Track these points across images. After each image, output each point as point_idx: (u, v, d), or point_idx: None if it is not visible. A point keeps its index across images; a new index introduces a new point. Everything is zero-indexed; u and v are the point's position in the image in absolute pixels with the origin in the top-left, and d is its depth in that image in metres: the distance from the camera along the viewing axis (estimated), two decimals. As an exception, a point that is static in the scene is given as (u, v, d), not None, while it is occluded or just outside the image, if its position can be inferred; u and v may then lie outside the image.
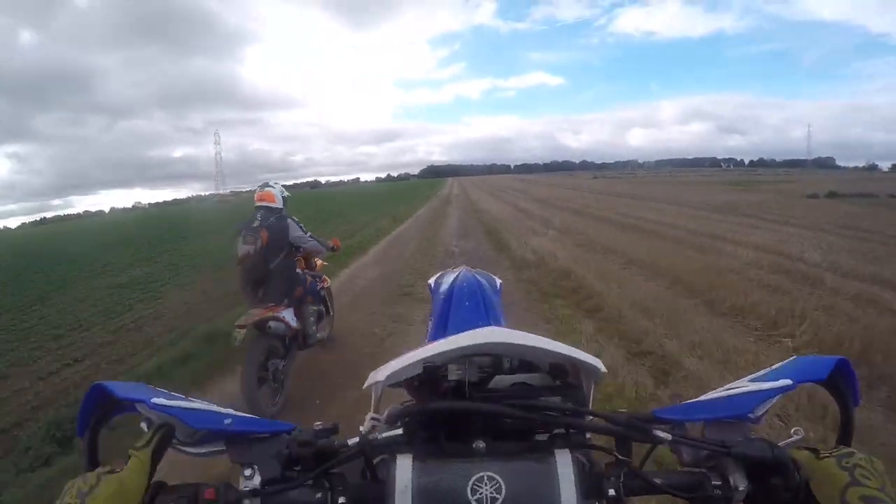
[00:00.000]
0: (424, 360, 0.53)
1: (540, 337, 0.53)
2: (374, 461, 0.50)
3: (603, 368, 0.55)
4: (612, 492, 0.46)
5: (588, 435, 0.50)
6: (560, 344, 0.53)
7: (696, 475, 0.48)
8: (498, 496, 0.44)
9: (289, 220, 3.31)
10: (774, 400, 0.50)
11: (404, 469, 0.46)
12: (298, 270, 3.47)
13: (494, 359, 0.59)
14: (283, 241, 3.23)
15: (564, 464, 0.46)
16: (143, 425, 0.49)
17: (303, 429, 0.52)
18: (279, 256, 3.19)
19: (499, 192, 34.36)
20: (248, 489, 0.46)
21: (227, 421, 0.49)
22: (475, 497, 0.43)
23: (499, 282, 1.30)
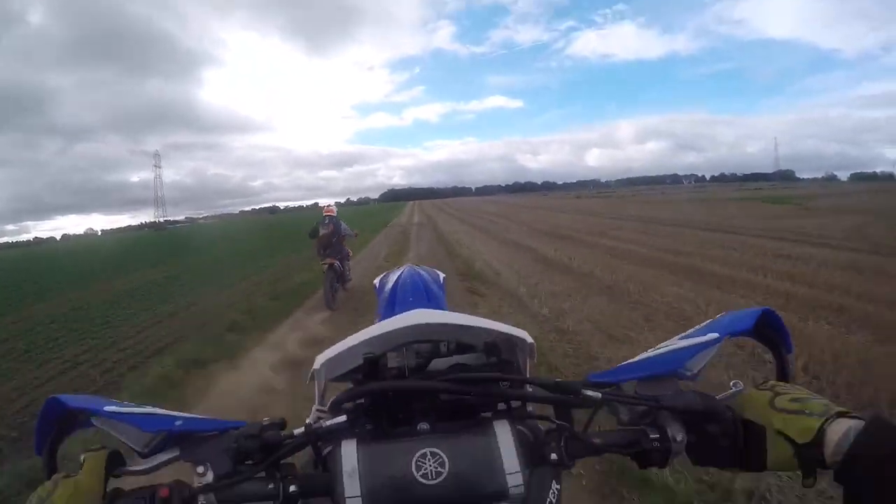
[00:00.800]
0: (360, 347, 0.54)
1: (466, 315, 0.54)
2: (324, 451, 0.51)
3: (530, 339, 0.57)
4: (554, 456, 0.48)
5: (530, 407, 0.53)
6: (485, 320, 0.54)
7: (634, 432, 0.50)
8: (442, 470, 0.46)
9: (340, 221, 7.24)
10: (709, 356, 0.52)
11: (349, 453, 0.48)
12: (342, 245, 7.28)
13: (432, 345, 0.61)
14: (338, 230, 7.10)
15: (504, 433, 0.48)
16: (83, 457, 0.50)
17: (250, 424, 0.52)
18: (336, 237, 7.03)
19: (472, 217, 28.22)
20: (201, 485, 0.47)
21: (178, 422, 0.50)
22: (420, 473, 0.46)
23: (442, 276, 1.32)
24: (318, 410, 0.55)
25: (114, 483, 0.49)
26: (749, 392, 0.48)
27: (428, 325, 0.55)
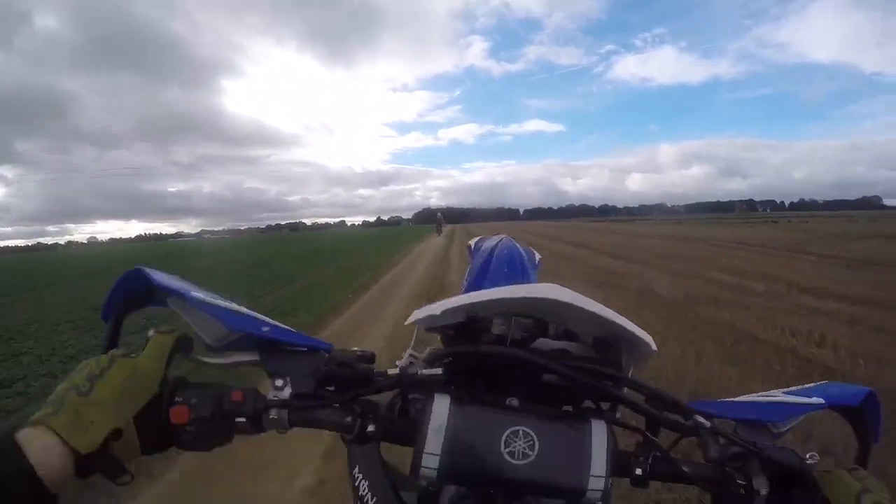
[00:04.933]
0: (477, 304, 0.54)
1: (600, 304, 0.53)
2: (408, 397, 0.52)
3: (654, 346, 0.55)
4: (638, 471, 0.48)
5: (618, 413, 0.52)
6: (617, 314, 0.53)
7: (723, 471, 0.50)
8: (530, 453, 0.45)
9: (439, 215, 40.07)
10: (801, 417, 0.53)
11: (441, 408, 0.47)
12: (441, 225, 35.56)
13: (538, 322, 0.59)
14: (442, 221, 38.40)
15: (600, 434, 0.47)
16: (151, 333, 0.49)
17: (340, 350, 0.53)
18: (439, 225, 36.77)
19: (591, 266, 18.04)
20: (276, 399, 0.47)
21: (266, 328, 0.50)
22: (507, 449, 0.45)
23: (538, 256, 1.30)
24: (410, 355, 0.53)
25: (175, 372, 0.47)
26: (837, 473, 0.47)
27: (557, 302, 0.52)
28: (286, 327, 0.52)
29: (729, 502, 0.50)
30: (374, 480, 0.64)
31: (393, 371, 0.51)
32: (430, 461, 0.45)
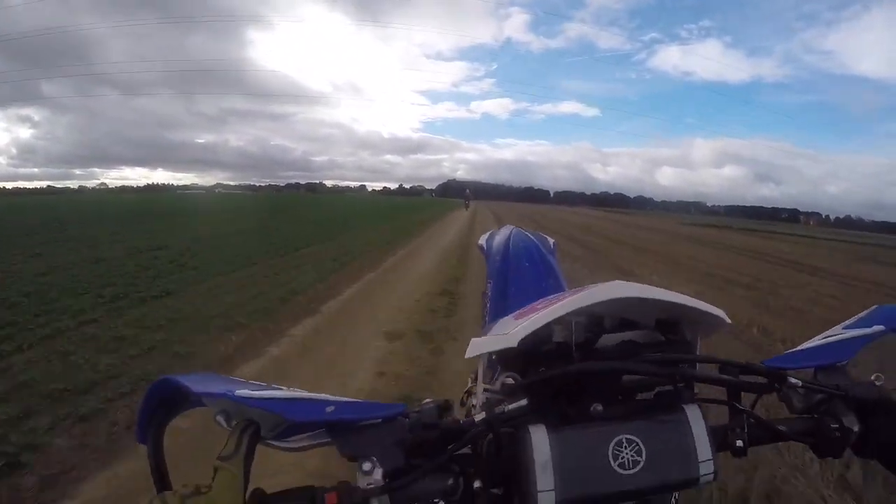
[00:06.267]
0: (555, 319, 0.51)
1: (667, 290, 0.53)
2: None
3: (727, 319, 0.54)
4: (739, 442, 0.49)
5: (696, 389, 0.52)
6: (686, 297, 0.53)
7: (813, 420, 0.52)
8: (639, 458, 0.45)
9: (468, 191, 46.08)
10: (860, 349, 0.56)
11: (541, 441, 0.45)
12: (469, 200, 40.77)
13: (592, 318, 0.57)
14: (469, 195, 43.59)
15: (696, 417, 0.48)
16: (220, 419, 0.45)
17: (414, 409, 0.50)
18: (467, 200, 41.42)
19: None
20: (372, 486, 0.44)
21: (329, 408, 0.46)
22: (617, 462, 0.45)
23: (551, 241, 1.33)
24: (486, 391, 0.53)
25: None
26: None
27: (632, 298, 0.52)
28: (352, 400, 0.48)
29: (825, 447, 0.51)
30: None
31: (479, 416, 0.48)
32: (547, 499, 0.44)
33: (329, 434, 0.47)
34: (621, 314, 0.56)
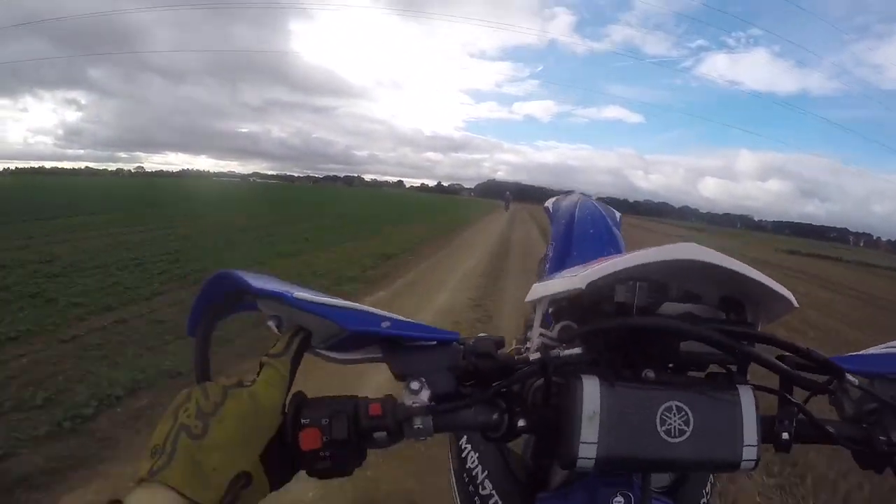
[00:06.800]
0: (624, 271, 0.49)
1: (740, 262, 0.50)
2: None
3: (795, 303, 0.51)
4: (785, 436, 0.48)
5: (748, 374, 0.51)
6: (757, 271, 0.50)
7: (863, 429, 0.50)
8: (686, 428, 0.44)
9: (508, 193, 43.70)
10: None
11: (592, 392, 0.45)
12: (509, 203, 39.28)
13: (656, 285, 0.54)
14: (510, 197, 41.59)
15: (748, 401, 0.46)
16: (271, 324, 0.47)
17: (470, 339, 0.50)
18: (507, 203, 39.66)
19: None
20: (417, 405, 0.44)
21: (385, 324, 0.46)
22: (663, 428, 0.44)
23: (618, 214, 1.28)
24: (542, 335, 0.52)
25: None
26: None
27: (703, 262, 0.49)
28: (409, 321, 0.48)
29: (870, 459, 0.50)
30: (499, 478, 0.62)
31: (534, 355, 0.47)
32: (588, 451, 0.43)
33: (381, 350, 0.47)
34: (687, 284, 0.52)
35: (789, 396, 0.49)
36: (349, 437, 0.42)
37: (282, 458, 0.41)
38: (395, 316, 0.47)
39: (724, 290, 0.52)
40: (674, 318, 0.49)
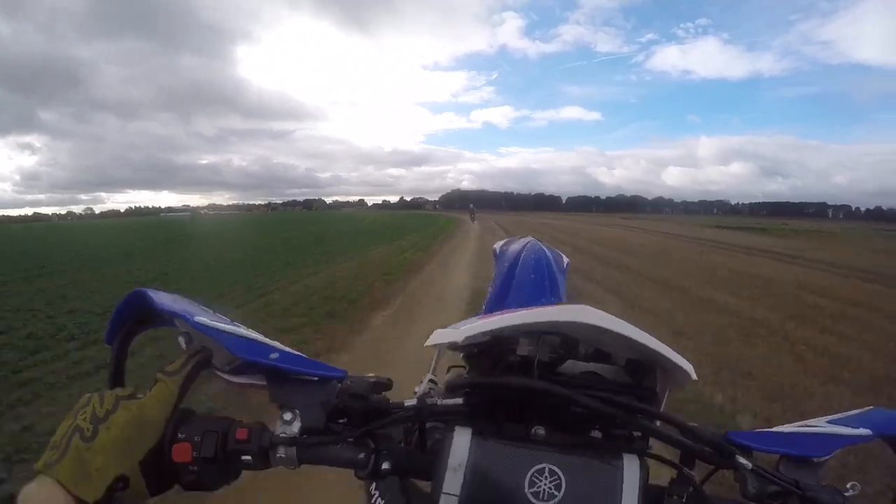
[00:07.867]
0: (505, 329, 0.51)
1: (635, 327, 0.50)
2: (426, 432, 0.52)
3: (693, 375, 0.52)
4: None
5: (650, 443, 0.51)
6: (654, 339, 0.50)
7: None
8: (556, 493, 0.44)
9: (472, 205, 46.01)
10: (839, 449, 0.52)
11: (462, 443, 0.46)
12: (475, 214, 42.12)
13: (566, 340, 0.55)
14: (474, 209, 44.35)
15: (632, 471, 0.45)
16: (181, 340, 0.50)
17: (354, 378, 0.52)
18: (473, 213, 42.59)
19: None
20: (285, 435, 0.46)
21: (274, 355, 0.48)
22: (531, 490, 0.44)
23: (566, 260, 1.30)
24: (430, 381, 0.53)
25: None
26: None
27: (593, 326, 0.49)
28: (297, 354, 0.50)
29: None
30: None
31: (410, 402, 0.49)
32: (448, 501, 0.44)
33: (266, 378, 0.48)
34: (596, 344, 0.53)
35: (684, 469, 0.48)
36: (216, 456, 0.44)
37: (159, 468, 0.44)
38: (285, 348, 0.49)
39: (631, 354, 0.51)
40: (574, 376, 0.50)
